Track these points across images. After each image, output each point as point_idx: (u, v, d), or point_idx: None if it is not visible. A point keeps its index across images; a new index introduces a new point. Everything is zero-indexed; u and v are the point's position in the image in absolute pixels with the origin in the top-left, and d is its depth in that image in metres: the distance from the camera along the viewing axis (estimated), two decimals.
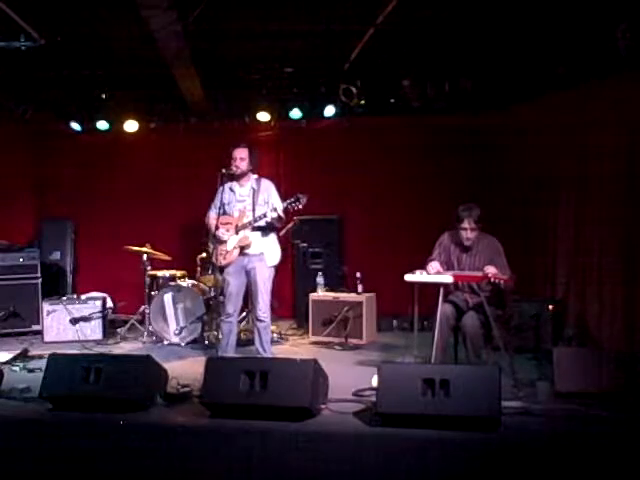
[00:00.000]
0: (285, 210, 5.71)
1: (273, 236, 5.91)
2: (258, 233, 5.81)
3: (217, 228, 5.83)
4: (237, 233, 5.81)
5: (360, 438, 4.04)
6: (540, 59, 6.25)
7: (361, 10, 5.39)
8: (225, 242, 5.83)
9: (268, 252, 5.85)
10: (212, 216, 5.98)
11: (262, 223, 5.76)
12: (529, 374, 5.25)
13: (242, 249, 5.80)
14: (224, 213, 5.87)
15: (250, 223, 5.76)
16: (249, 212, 5.81)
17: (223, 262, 5.86)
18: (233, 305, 5.88)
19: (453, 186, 7.61)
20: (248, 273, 5.84)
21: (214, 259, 6.01)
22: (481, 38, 6.10)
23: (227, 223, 5.84)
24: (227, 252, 5.83)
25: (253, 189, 5.87)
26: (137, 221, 8.34)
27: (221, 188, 5.90)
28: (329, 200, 7.99)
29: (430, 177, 7.96)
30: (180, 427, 4.26)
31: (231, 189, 5.90)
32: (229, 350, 5.87)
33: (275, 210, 5.64)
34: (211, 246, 6.07)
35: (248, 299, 6.64)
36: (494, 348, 5.24)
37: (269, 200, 5.83)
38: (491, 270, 5.09)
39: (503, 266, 5.26)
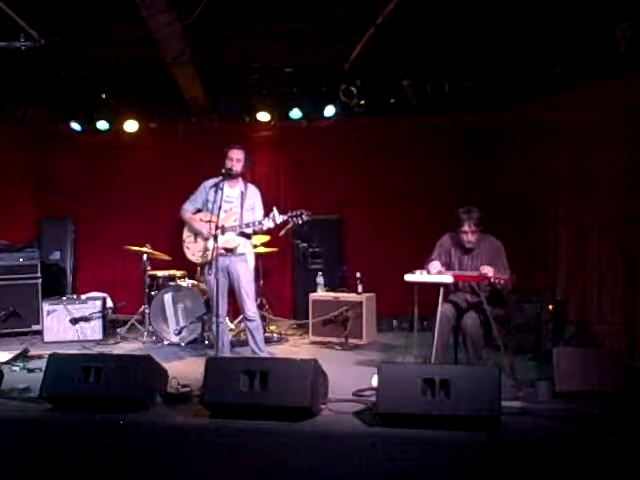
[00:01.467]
0: (285, 222, 5.73)
1: (250, 240, 5.98)
2: (242, 237, 5.82)
3: (217, 227, 5.77)
4: (222, 234, 5.76)
5: (360, 438, 4.04)
6: (540, 59, 6.25)
7: (361, 10, 5.39)
8: (206, 240, 5.78)
9: (249, 254, 5.91)
10: (189, 209, 5.98)
11: (249, 230, 5.80)
12: (529, 374, 5.26)
13: (226, 250, 5.79)
14: (206, 210, 5.83)
15: (240, 227, 5.76)
16: (236, 215, 5.80)
17: (201, 260, 5.83)
18: (221, 305, 5.83)
19: (453, 186, 7.61)
20: (230, 274, 5.84)
21: (190, 255, 6.00)
22: (481, 38, 6.11)
23: (209, 221, 5.73)
24: (216, 250, 5.61)
25: (242, 192, 5.87)
26: (137, 221, 8.33)
27: (206, 185, 5.86)
28: (329, 200, 7.99)
29: (430, 177, 7.96)
30: (180, 427, 4.26)
31: (219, 188, 5.73)
32: (225, 350, 5.87)
33: (273, 220, 5.66)
34: (186, 240, 6.04)
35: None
36: (494, 348, 5.24)
37: (255, 206, 5.88)
38: (486, 270, 5.10)
39: (503, 267, 5.26)
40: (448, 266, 5.46)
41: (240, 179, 5.93)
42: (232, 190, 5.89)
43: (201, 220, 5.85)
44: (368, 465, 3.87)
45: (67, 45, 6.09)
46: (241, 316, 7.03)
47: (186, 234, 6.06)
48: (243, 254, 5.86)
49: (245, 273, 5.85)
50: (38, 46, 5.76)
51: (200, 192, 5.92)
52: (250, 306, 5.87)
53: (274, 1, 5.32)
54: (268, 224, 5.69)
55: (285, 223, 5.83)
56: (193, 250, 5.98)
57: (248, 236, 5.92)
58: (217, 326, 5.83)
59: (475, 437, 3.92)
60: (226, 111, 8.01)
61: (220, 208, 5.64)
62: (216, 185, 5.75)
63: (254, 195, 5.94)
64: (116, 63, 6.86)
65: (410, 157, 8.04)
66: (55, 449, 4.16)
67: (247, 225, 5.76)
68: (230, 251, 5.80)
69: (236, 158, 5.82)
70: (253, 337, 5.89)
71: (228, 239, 5.77)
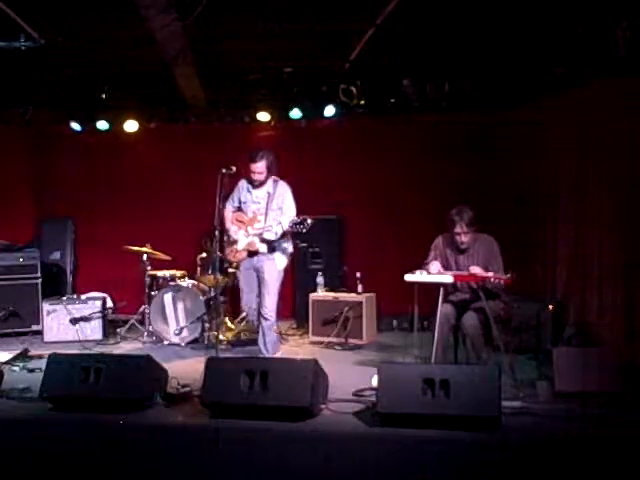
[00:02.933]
0: (290, 229, 5.73)
1: (283, 240, 5.90)
2: (265, 242, 5.86)
3: (233, 223, 5.93)
4: (247, 236, 5.85)
5: (360, 438, 4.04)
6: (540, 59, 6.25)
7: (361, 10, 5.39)
8: (236, 241, 5.92)
9: (279, 254, 5.89)
10: (229, 208, 6.06)
11: (269, 235, 5.81)
12: (529, 374, 5.25)
13: (249, 252, 5.88)
14: (239, 210, 5.98)
15: (258, 234, 5.81)
16: (261, 217, 5.86)
17: (232, 260, 6.07)
18: (246, 295, 6.01)
19: (453, 186, 7.59)
20: (257, 271, 5.91)
21: (227, 254, 6.11)
22: (481, 38, 6.10)
23: (240, 221, 5.94)
24: (237, 251, 5.94)
25: (268, 193, 5.89)
26: (137, 221, 8.33)
27: (240, 184, 5.98)
28: (329, 200, 7.99)
29: (430, 177, 7.95)
30: (180, 427, 4.27)
31: (248, 189, 5.95)
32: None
33: (280, 225, 5.70)
34: (225, 240, 6.15)
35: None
36: (494, 348, 5.24)
37: (282, 206, 5.86)
38: (476, 270, 5.12)
39: (498, 265, 5.26)
40: (445, 267, 5.45)
41: (270, 179, 5.93)
42: (259, 191, 5.93)
43: (236, 220, 5.94)
44: (368, 465, 3.87)
45: (67, 45, 6.08)
46: (241, 316, 7.06)
47: (225, 242, 6.15)
48: (271, 253, 5.87)
49: (270, 272, 5.86)
50: (38, 46, 5.76)
51: (235, 191, 6.02)
52: (268, 304, 5.88)
53: (274, 1, 5.32)
54: (277, 229, 5.74)
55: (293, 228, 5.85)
56: (228, 251, 6.08)
57: (276, 240, 5.85)
58: (217, 325, 5.88)
59: (475, 437, 3.92)
60: (226, 111, 8.01)
61: (239, 205, 5.93)
62: (243, 183, 5.97)
63: (282, 194, 5.90)
64: (116, 63, 6.86)
65: (410, 157, 8.04)
66: (55, 449, 4.16)
67: (264, 230, 5.78)
68: (254, 252, 5.87)
69: (257, 171, 5.84)
70: (264, 336, 5.91)
71: (250, 242, 5.86)
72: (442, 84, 7.03)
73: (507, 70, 6.72)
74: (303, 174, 8.28)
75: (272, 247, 5.85)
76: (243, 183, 5.97)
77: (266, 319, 5.88)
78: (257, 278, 5.93)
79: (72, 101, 7.83)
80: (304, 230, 5.64)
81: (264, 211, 5.85)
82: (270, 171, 5.87)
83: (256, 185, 5.90)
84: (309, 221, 5.58)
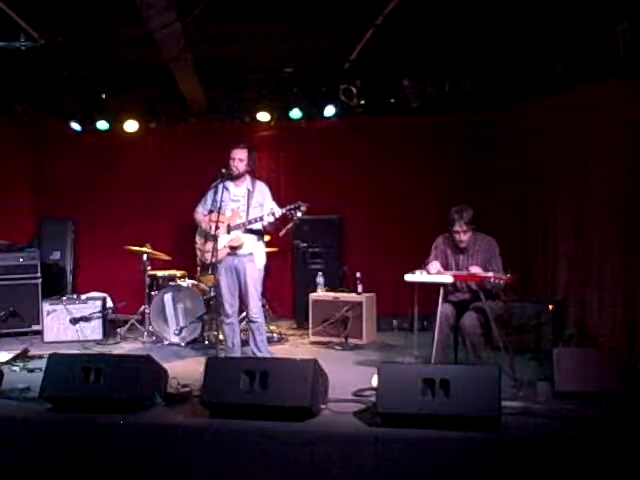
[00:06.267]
0: (284, 216, 5.71)
1: (261, 238, 5.92)
2: (249, 235, 5.81)
3: (217, 227, 5.79)
4: (229, 233, 5.80)
5: (360, 438, 4.03)
6: (540, 59, 6.25)
7: (361, 10, 5.39)
8: (216, 239, 5.78)
9: (257, 253, 5.87)
10: (200, 212, 5.98)
11: (255, 226, 5.78)
12: (529, 374, 5.25)
13: (232, 249, 5.80)
14: (216, 211, 5.82)
15: (244, 224, 5.76)
16: (242, 213, 5.80)
17: (214, 260, 5.75)
18: (229, 305, 5.87)
19: (453, 186, 7.61)
20: (238, 273, 5.84)
21: (200, 255, 6.03)
22: (481, 38, 6.11)
23: (218, 221, 5.77)
24: (217, 250, 5.77)
25: (248, 190, 5.86)
26: (137, 221, 8.34)
27: (215, 186, 5.87)
28: (329, 200, 7.99)
29: (430, 177, 7.97)
30: (180, 427, 4.26)
31: (226, 188, 5.84)
32: (235, 351, 5.87)
33: (273, 215, 5.66)
34: (198, 242, 6.08)
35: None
36: (494, 348, 5.24)
37: (263, 203, 5.83)
38: (475, 270, 5.12)
39: (497, 265, 5.26)
40: (445, 267, 5.45)
41: (247, 177, 5.90)
42: (238, 189, 5.89)
43: (210, 221, 5.83)
44: (368, 465, 3.87)
45: (67, 45, 6.09)
46: (241, 315, 7.05)
47: (197, 237, 6.09)
48: (251, 253, 5.83)
49: (251, 273, 5.81)
50: (38, 46, 5.77)
51: (209, 193, 5.90)
52: (253, 307, 5.83)
53: (274, 1, 5.33)
54: (268, 219, 5.69)
55: (286, 220, 5.83)
56: (204, 251, 5.97)
57: (257, 235, 5.85)
58: (217, 325, 5.84)
59: (475, 437, 3.92)
60: (226, 111, 8.01)
61: (220, 208, 5.71)
62: (222, 185, 5.78)
63: (262, 192, 5.88)
64: (116, 63, 6.86)
65: (410, 157, 8.05)
66: (55, 449, 4.16)
67: (250, 222, 5.76)
68: (235, 250, 5.79)
69: (238, 158, 5.81)
70: (254, 338, 5.88)
71: (233, 238, 5.79)
72: (442, 84, 7.03)
73: (507, 70, 6.72)
74: (303, 174, 8.32)
75: (254, 238, 5.80)
76: (218, 185, 5.84)
77: (254, 321, 5.85)
78: (238, 280, 5.85)
79: (72, 101, 7.83)
80: (299, 214, 5.61)
81: (245, 208, 5.80)
82: (249, 165, 5.83)
83: (234, 178, 5.80)
84: (303, 207, 5.57)
